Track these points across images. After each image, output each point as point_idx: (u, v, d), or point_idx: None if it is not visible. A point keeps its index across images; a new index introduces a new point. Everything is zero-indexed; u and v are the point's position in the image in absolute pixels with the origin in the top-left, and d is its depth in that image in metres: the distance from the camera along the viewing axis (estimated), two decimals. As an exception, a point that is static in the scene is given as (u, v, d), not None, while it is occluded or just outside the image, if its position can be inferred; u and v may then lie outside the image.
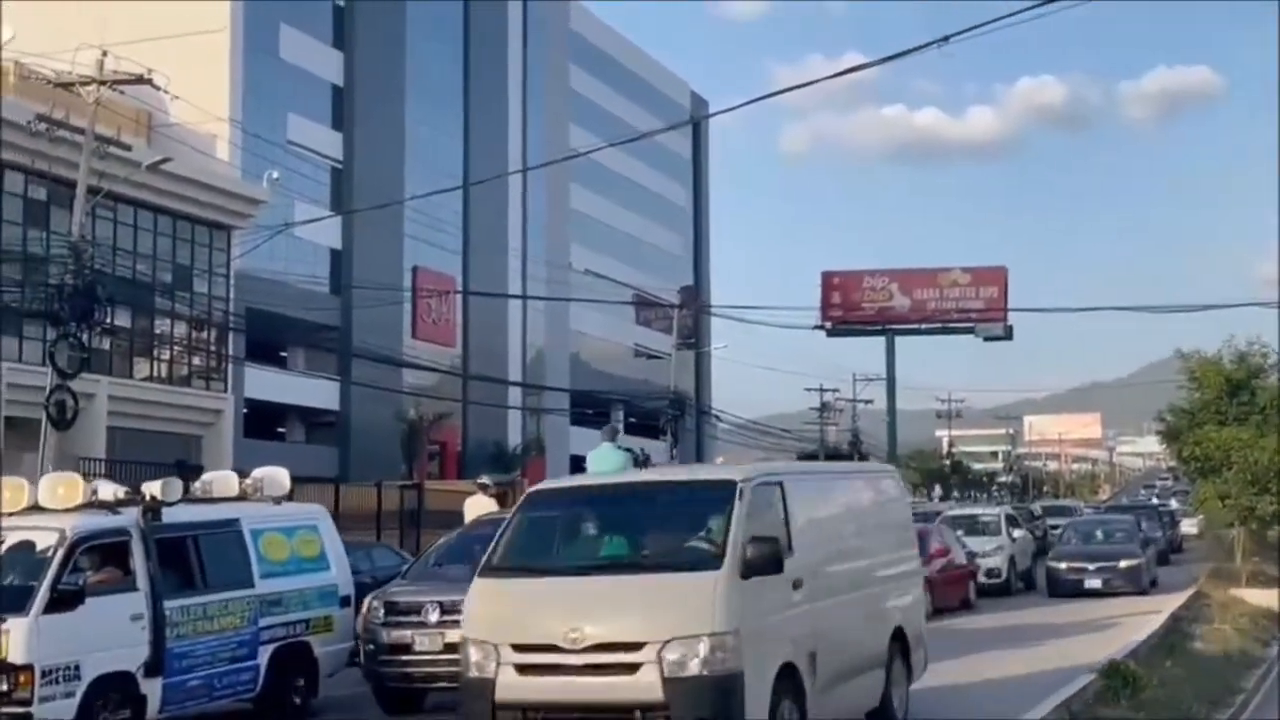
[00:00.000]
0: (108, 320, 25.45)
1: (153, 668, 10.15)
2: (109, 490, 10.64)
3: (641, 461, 12.74)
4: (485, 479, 18.82)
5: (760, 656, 8.16)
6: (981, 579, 24.08)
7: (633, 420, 64.17)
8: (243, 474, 12.30)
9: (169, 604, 10.36)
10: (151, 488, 10.66)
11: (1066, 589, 24.12)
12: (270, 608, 11.39)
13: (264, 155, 38.45)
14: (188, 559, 10.89)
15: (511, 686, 8.16)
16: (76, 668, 9.57)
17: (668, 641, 7.93)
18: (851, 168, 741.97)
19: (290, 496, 12.55)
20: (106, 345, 31.56)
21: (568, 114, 62.41)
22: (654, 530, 9.00)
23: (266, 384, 41.98)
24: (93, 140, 23.30)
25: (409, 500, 27.66)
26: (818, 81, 45.02)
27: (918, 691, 11.14)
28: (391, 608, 11.68)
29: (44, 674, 9.34)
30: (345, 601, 12.34)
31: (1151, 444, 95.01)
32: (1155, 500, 64.20)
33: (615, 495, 9.50)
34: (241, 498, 11.83)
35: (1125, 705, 11.71)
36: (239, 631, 11.09)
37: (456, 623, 9.63)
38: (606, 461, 12.06)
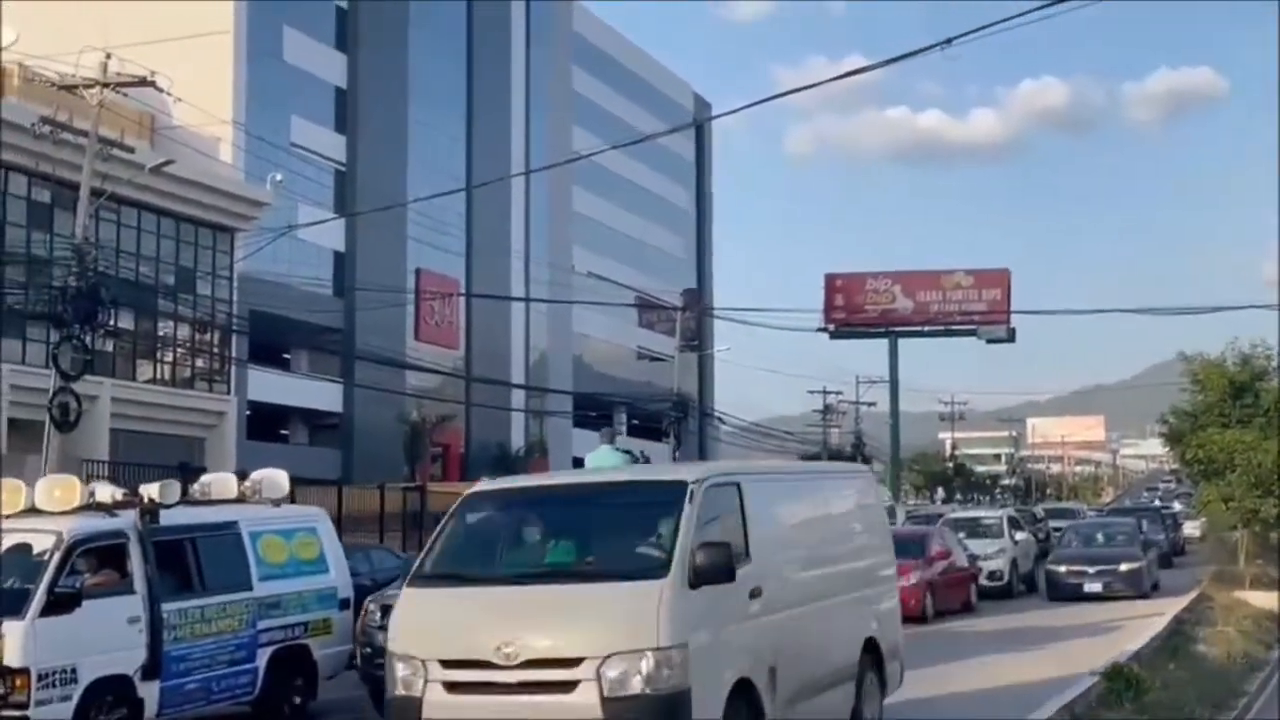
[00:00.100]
0: (111, 322, 25.49)
1: (150, 671, 10.13)
2: (106, 492, 10.60)
3: (641, 463, 12.66)
4: (488, 481, 18.74)
5: (711, 672, 7.59)
6: (983, 581, 24.05)
7: (635, 422, 64.13)
8: (242, 476, 12.28)
9: (167, 607, 10.34)
10: (149, 490, 10.63)
11: (1066, 592, 23.89)
12: (269, 610, 11.37)
13: (267, 157, 38.48)
14: (186, 561, 10.86)
15: (439, 706, 7.58)
16: (73, 671, 9.53)
17: (608, 657, 7.34)
18: (854, 170, 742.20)
19: (292, 499, 12.54)
20: (110, 347, 31.62)
21: (570, 116, 62.44)
22: (599, 535, 8.38)
23: (269, 386, 42.01)
24: (96, 142, 23.34)
25: (412, 502, 27.70)
26: (821, 84, 45.15)
27: (916, 699, 11.07)
28: (389, 611, 11.64)
29: (40, 677, 9.30)
30: (344, 604, 12.33)
31: (1155, 446, 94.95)
32: (1158, 503, 64.10)
33: (558, 498, 8.94)
34: (240, 500, 11.81)
35: (1128, 708, 11.67)
36: (237, 634, 11.07)
37: None
38: (605, 463, 11.96)
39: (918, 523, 34.51)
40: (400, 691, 7.74)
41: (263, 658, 11.30)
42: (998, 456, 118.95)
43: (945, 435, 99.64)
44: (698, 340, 63.04)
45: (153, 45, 32.24)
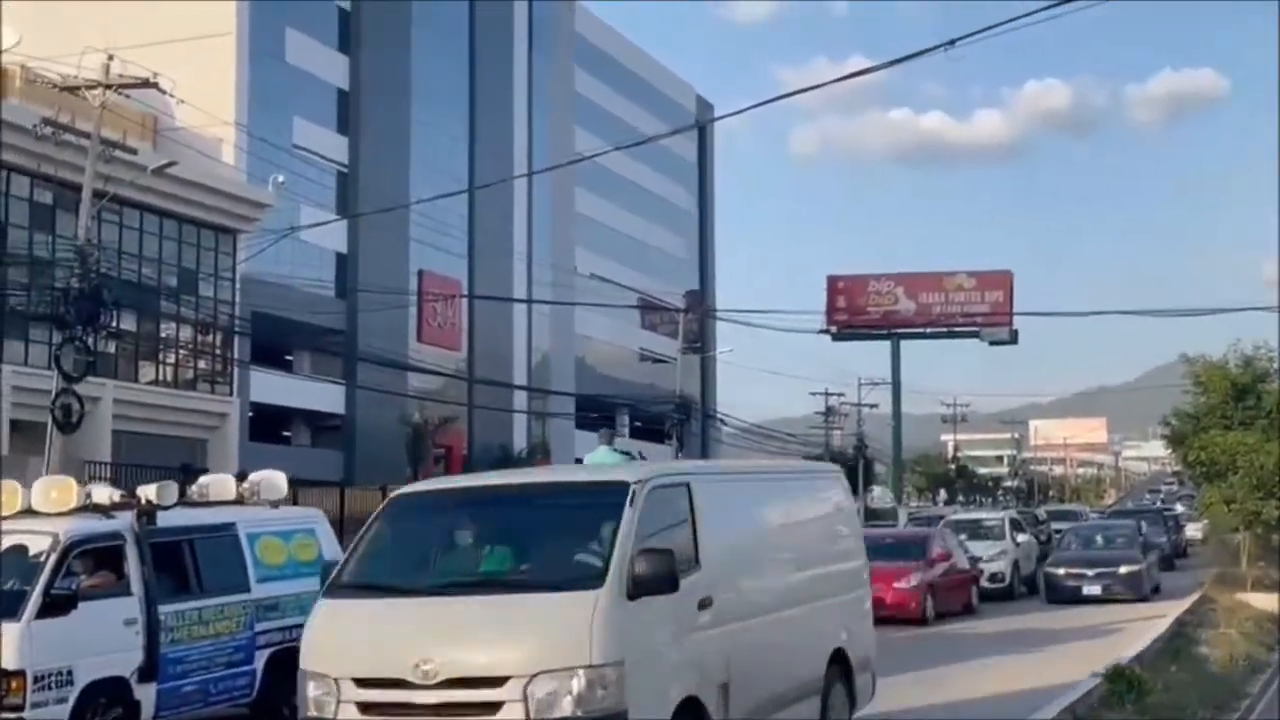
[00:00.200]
0: (113, 324, 25.47)
1: (147, 673, 10.08)
2: (103, 494, 10.57)
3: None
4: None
5: (652, 691, 6.99)
6: (985, 584, 24.03)
7: (638, 424, 64.14)
8: (241, 478, 12.25)
9: (164, 608, 10.30)
10: (146, 491, 10.60)
11: (1064, 595, 23.68)
12: (266, 612, 11.33)
13: (269, 159, 38.49)
14: (183, 563, 10.81)
15: None
16: (69, 673, 9.49)
17: (535, 676, 6.75)
18: (857, 171, 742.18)
19: (294, 500, 12.51)
20: (112, 349, 31.62)
21: (573, 117, 62.45)
22: (532, 541, 7.76)
23: (272, 388, 42.03)
24: (98, 144, 23.35)
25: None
26: (824, 85, 45.17)
27: (917, 703, 11.00)
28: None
29: (36, 679, 9.25)
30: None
31: (1157, 448, 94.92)
32: (1160, 504, 64.03)
33: (490, 500, 8.22)
34: (238, 501, 11.77)
35: (1130, 709, 11.64)
36: (234, 636, 11.03)
37: None
38: (603, 464, 11.98)
39: (919, 524, 34.47)
40: (311, 713, 7.17)
41: (260, 660, 11.25)
42: (1000, 458, 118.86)
43: (947, 437, 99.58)
44: (700, 342, 63.06)
45: (155, 47, 32.28)
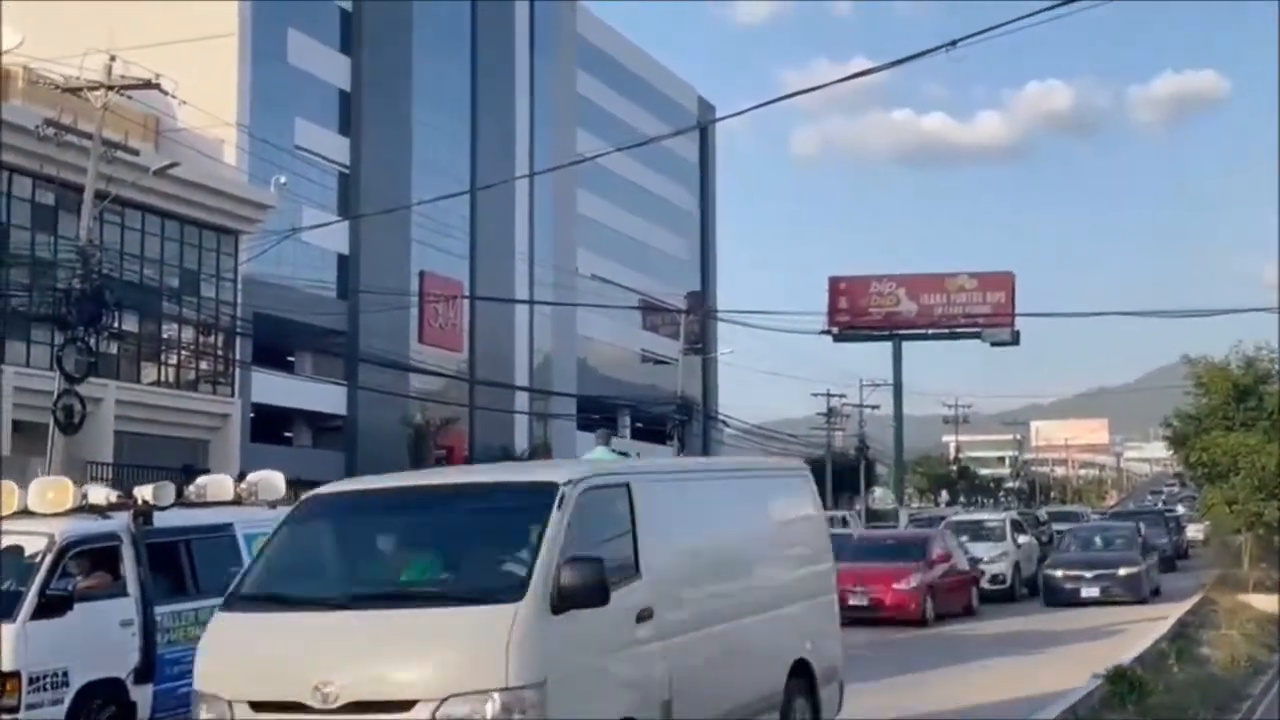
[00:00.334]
0: (115, 325, 25.53)
1: (143, 674, 10.02)
2: (100, 494, 10.54)
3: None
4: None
5: (581, 713, 6.38)
6: (986, 585, 23.98)
7: (639, 425, 64.19)
8: (240, 478, 12.23)
9: (160, 609, 10.23)
10: (143, 492, 10.57)
11: (1063, 598, 23.45)
12: (265, 613, 11.30)
13: (271, 160, 38.52)
14: (180, 564, 10.75)
15: None
16: (65, 674, 9.43)
17: (446, 699, 6.11)
18: (858, 172, 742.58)
19: (294, 501, 12.45)
20: (114, 350, 31.64)
21: (574, 118, 62.47)
22: (453, 548, 7.06)
23: (274, 389, 42.05)
24: (100, 145, 23.40)
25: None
26: (825, 86, 44.78)
27: (918, 707, 10.92)
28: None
29: (31, 680, 9.19)
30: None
31: (1159, 449, 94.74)
32: (1162, 506, 63.95)
33: (410, 502, 7.48)
34: (236, 502, 11.74)
35: (1131, 710, 11.62)
36: (233, 637, 11.00)
37: None
38: (601, 466, 11.96)
39: (920, 525, 34.44)
40: None
41: (259, 660, 11.23)
42: (1002, 459, 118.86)
43: (949, 438, 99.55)
44: (701, 343, 63.08)
45: (157, 48, 32.31)
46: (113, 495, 10.60)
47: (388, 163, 47.55)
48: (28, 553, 9.68)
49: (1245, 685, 14.41)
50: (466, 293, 51.65)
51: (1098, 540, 26.42)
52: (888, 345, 62.36)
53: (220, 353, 37.82)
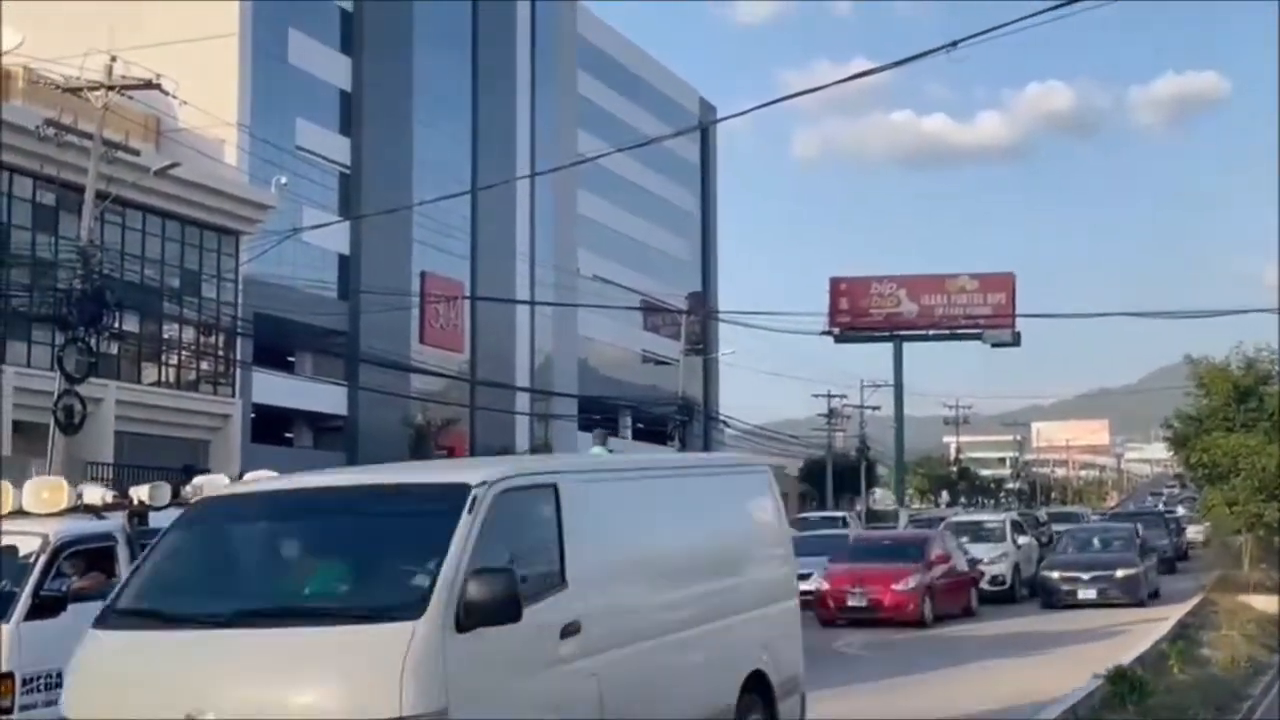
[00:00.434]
0: (116, 325, 25.55)
1: (141, 674, 10.05)
2: (95, 494, 10.49)
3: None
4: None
5: None
6: (985, 586, 23.97)
7: (641, 426, 64.21)
8: (239, 478, 12.21)
9: (159, 609, 10.26)
10: (139, 492, 10.54)
11: (1059, 600, 23.20)
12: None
13: (272, 160, 38.54)
14: (179, 564, 10.80)
15: None
16: (59, 675, 9.45)
17: None
18: (859, 172, 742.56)
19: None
20: (115, 350, 31.67)
21: (575, 119, 62.50)
22: (353, 558, 6.35)
23: (274, 389, 42.05)
24: (101, 145, 23.41)
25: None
26: (826, 86, 44.63)
27: (917, 709, 10.91)
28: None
29: (25, 681, 9.08)
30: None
31: (1159, 450, 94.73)
32: (1162, 507, 63.96)
33: (308, 506, 6.74)
34: (236, 502, 11.73)
35: (1132, 711, 11.63)
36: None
37: None
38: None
39: (920, 526, 34.45)
40: None
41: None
42: (1002, 460, 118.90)
43: (950, 439, 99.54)
44: (702, 343, 63.10)
45: (158, 48, 32.35)
46: (108, 495, 10.54)
47: (388, 163, 47.57)
48: (22, 553, 9.59)
49: (1245, 686, 14.44)
50: (467, 293, 51.67)
51: (1095, 542, 26.14)
52: (888, 346, 62.39)
53: (221, 353, 37.82)
